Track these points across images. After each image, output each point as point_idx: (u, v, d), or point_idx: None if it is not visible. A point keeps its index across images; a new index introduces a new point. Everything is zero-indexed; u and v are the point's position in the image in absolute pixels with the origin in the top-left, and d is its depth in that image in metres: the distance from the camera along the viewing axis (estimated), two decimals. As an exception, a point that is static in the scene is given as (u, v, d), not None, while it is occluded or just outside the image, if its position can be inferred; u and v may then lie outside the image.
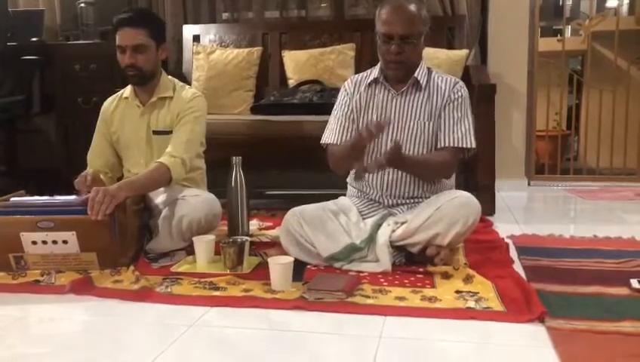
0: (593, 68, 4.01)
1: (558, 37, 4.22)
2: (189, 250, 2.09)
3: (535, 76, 3.58)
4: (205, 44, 3.40)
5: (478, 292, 1.68)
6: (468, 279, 1.77)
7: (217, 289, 1.77)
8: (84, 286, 1.79)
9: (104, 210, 1.86)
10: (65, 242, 1.90)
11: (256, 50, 3.29)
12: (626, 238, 2.26)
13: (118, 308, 1.67)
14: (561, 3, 4.63)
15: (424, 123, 2.05)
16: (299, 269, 1.89)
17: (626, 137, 3.82)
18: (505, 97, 3.30)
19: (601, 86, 3.88)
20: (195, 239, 2.02)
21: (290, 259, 1.80)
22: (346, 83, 2.21)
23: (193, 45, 3.37)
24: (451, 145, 2.02)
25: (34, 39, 3.28)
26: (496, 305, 1.59)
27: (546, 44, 4.18)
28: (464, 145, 2.02)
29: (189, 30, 3.49)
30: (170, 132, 2.25)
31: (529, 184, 3.59)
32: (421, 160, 2.04)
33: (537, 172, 3.76)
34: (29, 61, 3.17)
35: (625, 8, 4.67)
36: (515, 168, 3.50)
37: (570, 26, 4.72)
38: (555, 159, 3.93)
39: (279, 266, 1.75)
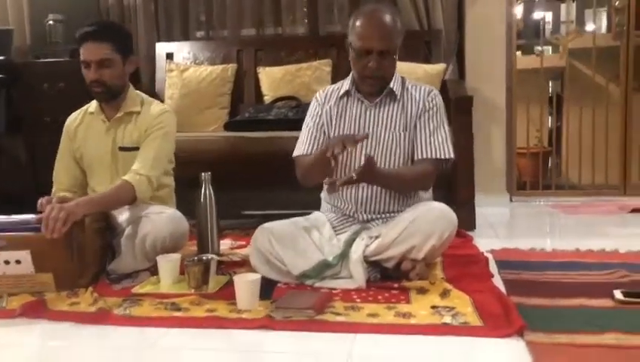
0: (572, 85, 4.00)
1: (536, 52, 4.23)
2: (154, 271, 1.98)
3: (514, 91, 3.55)
4: (179, 62, 3.33)
5: (454, 307, 1.59)
6: (444, 294, 1.68)
7: (179, 309, 1.66)
8: (36, 310, 1.68)
9: (59, 228, 1.75)
10: (18, 262, 1.78)
11: (231, 67, 3.24)
12: (609, 251, 2.19)
13: (72, 332, 1.55)
14: (541, 26, 4.67)
15: (399, 134, 1.98)
16: (268, 288, 1.80)
17: (607, 154, 3.79)
18: (484, 113, 3.25)
19: (581, 103, 3.87)
20: (158, 258, 1.91)
21: (257, 276, 1.70)
22: (317, 94, 2.15)
23: (166, 63, 3.31)
24: (429, 156, 1.95)
25: (0, 58, 3.19)
26: (474, 319, 1.50)
27: (526, 61, 4.18)
28: (442, 156, 1.95)
29: (162, 48, 3.42)
30: (137, 148, 2.16)
31: (511, 200, 3.53)
32: (394, 174, 1.96)
33: (519, 188, 3.71)
34: (-6, 80, 3.08)
35: (603, 26, 4.70)
36: (497, 184, 3.44)
37: (550, 48, 4.74)
38: (537, 177, 3.88)
39: (244, 283, 1.65)
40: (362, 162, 1.78)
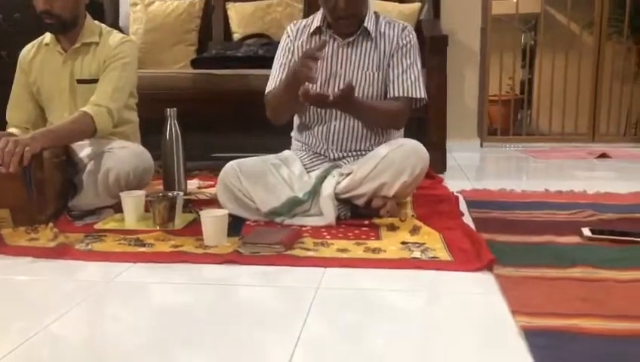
0: (546, 32, 3.96)
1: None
2: (118, 208, 1.91)
3: (488, 34, 3.50)
4: (143, -5, 3.16)
5: (424, 243, 1.58)
6: (414, 230, 1.67)
7: (143, 245, 1.61)
8: (-8, 245, 1.61)
9: (16, 162, 1.67)
10: (-29, 197, 1.70)
11: (199, 2, 3.09)
12: (577, 192, 2.21)
13: (31, 267, 1.49)
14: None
15: (373, 73, 1.92)
16: (237, 226, 1.76)
17: (577, 103, 3.81)
18: (458, 55, 3.21)
19: (554, 50, 3.84)
20: (122, 194, 1.85)
21: (224, 212, 1.66)
22: (288, 28, 2.06)
23: (130, -4, 3.14)
24: (401, 94, 1.90)
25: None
26: (444, 254, 1.49)
27: (501, 5, 4.12)
28: (414, 95, 1.90)
29: (125, -20, 3.24)
30: (96, 80, 2.05)
31: (482, 145, 3.53)
32: (368, 105, 1.90)
33: (490, 135, 3.72)
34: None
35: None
36: (468, 130, 3.43)
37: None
38: (508, 124, 3.89)
39: (211, 219, 1.61)
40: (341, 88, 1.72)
